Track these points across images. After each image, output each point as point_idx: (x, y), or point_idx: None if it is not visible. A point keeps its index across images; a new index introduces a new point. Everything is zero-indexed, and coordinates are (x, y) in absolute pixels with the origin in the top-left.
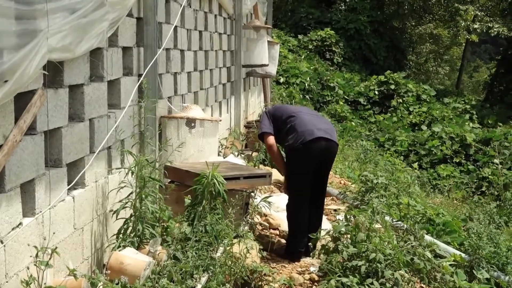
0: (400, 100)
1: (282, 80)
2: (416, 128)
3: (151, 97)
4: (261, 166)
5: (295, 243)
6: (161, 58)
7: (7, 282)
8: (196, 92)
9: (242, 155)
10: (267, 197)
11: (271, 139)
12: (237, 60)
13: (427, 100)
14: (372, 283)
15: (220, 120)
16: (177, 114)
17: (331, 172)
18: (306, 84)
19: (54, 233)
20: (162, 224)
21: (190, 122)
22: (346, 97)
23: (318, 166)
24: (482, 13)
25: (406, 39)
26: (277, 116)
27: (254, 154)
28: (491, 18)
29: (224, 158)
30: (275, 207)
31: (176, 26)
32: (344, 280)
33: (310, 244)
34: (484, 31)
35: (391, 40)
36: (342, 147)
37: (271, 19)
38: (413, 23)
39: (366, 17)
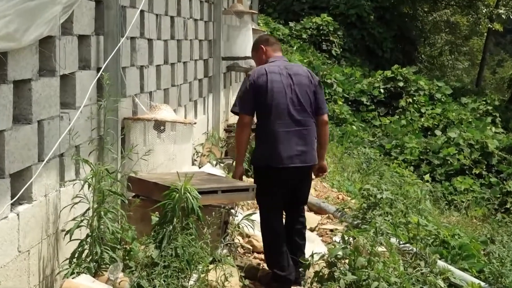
0: (410, 100)
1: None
2: (428, 133)
3: (113, 95)
4: (244, 177)
5: (273, 259)
6: (125, 49)
7: None
8: (167, 89)
9: (221, 165)
10: (250, 215)
11: (245, 120)
12: (216, 52)
13: (442, 100)
14: None
15: (195, 123)
16: (144, 115)
17: (326, 185)
18: None
19: None
20: (125, 246)
21: (159, 125)
22: (346, 95)
23: (289, 187)
24: None
25: (417, 27)
26: (261, 91)
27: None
28: None
29: (199, 167)
30: (260, 226)
31: (142, 11)
32: None
33: (301, 269)
34: (511, 17)
35: (399, 29)
36: (340, 155)
37: (257, 3)
38: (426, 9)
39: (370, 2)
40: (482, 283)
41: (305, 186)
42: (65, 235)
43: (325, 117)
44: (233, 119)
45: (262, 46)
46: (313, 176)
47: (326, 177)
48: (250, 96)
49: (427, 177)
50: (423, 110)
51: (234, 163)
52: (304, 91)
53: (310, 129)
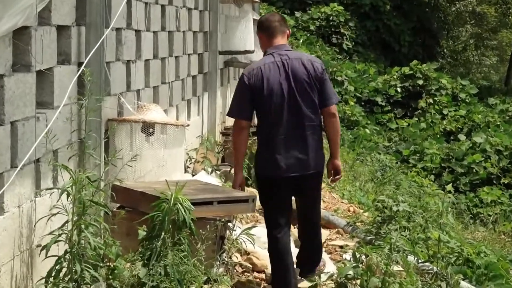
0: (431, 100)
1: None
2: (451, 138)
3: (96, 93)
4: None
5: (275, 274)
6: (110, 41)
7: None
8: (157, 87)
9: (218, 172)
10: (249, 229)
11: (241, 124)
12: (212, 45)
13: (467, 100)
14: None
15: (188, 125)
16: (131, 116)
17: (335, 196)
18: None
19: None
20: (108, 264)
21: (148, 127)
22: (358, 95)
23: (293, 195)
24: None
25: (439, 19)
26: (256, 93)
27: (233, 170)
28: None
29: (193, 175)
30: (260, 242)
31: None
32: None
33: None
34: None
35: (419, 20)
36: (352, 162)
37: None
38: None
39: None
40: None
41: (310, 198)
42: (40, 251)
43: (332, 108)
44: (231, 121)
45: (259, 32)
46: (329, 182)
47: (336, 186)
48: (244, 99)
49: (449, 187)
50: (445, 112)
51: (232, 171)
52: (303, 89)
53: (313, 131)
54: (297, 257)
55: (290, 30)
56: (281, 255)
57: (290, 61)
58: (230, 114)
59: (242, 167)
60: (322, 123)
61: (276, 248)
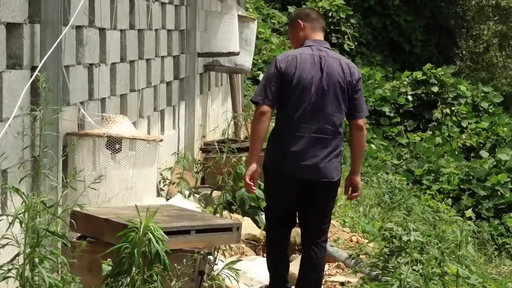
0: (447, 111)
1: (261, 76)
2: (472, 154)
3: (52, 103)
4: (225, 213)
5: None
6: (69, 42)
7: None
8: (125, 96)
9: (196, 196)
10: (233, 262)
11: (263, 109)
12: (190, 46)
13: (490, 110)
14: None
15: (162, 140)
16: (94, 129)
17: (335, 224)
18: None
19: None
20: None
21: (114, 143)
22: None
23: (300, 200)
24: None
25: (457, 14)
26: (287, 75)
27: (216, 193)
28: None
29: (167, 199)
30: (246, 278)
31: None
32: None
33: None
34: None
35: (433, 16)
36: None
37: None
38: None
39: None
40: None
41: (317, 210)
42: None
43: (360, 121)
44: (213, 135)
45: (300, 21)
46: (346, 198)
47: (336, 212)
48: (272, 84)
49: (469, 213)
50: (464, 124)
51: (213, 194)
52: (334, 90)
53: (334, 138)
54: None
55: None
56: (278, 246)
57: (328, 58)
58: (254, 99)
59: (257, 157)
60: (342, 133)
61: (274, 241)
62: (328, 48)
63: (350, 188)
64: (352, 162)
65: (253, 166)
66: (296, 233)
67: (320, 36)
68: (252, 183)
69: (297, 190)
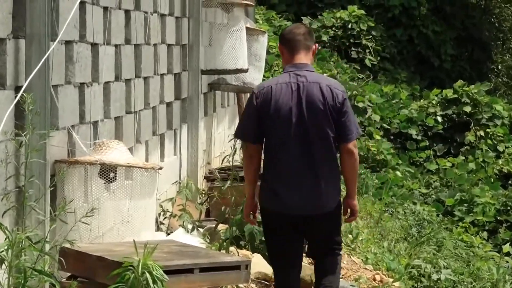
0: (482, 133)
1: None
2: (509, 182)
3: (39, 127)
4: (232, 249)
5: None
6: (58, 58)
7: None
8: (120, 118)
9: (200, 230)
10: None
11: (250, 149)
12: (193, 62)
13: None
14: None
15: (161, 168)
16: (85, 157)
17: (357, 260)
18: None
19: None
20: None
21: (108, 171)
22: (386, 126)
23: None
24: None
25: (491, 25)
26: (263, 108)
27: (222, 227)
28: None
29: (167, 234)
30: None
31: (84, 2)
32: None
33: None
34: None
35: (464, 27)
36: (378, 216)
37: None
38: None
39: None
40: None
41: (322, 242)
42: None
43: (349, 145)
44: (218, 161)
45: (280, 45)
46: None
47: (358, 248)
48: (253, 120)
49: (507, 247)
50: (500, 148)
51: (219, 227)
52: (316, 118)
53: (326, 165)
54: None
55: (317, 45)
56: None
57: (306, 84)
58: (235, 134)
59: (253, 194)
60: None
61: (282, 285)
62: (310, 71)
63: (349, 211)
64: (346, 186)
65: (250, 203)
66: (311, 271)
67: (301, 58)
68: (251, 219)
69: (295, 227)
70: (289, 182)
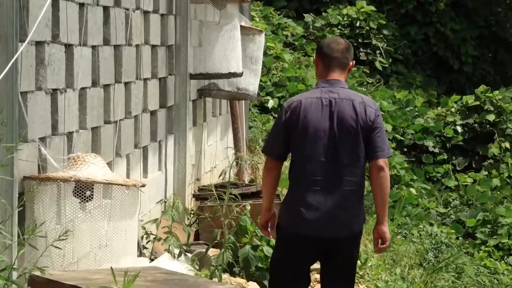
0: (507, 145)
1: (271, 104)
2: None
3: (6, 140)
4: (225, 276)
5: None
6: (27, 62)
7: None
8: (97, 129)
9: (189, 255)
10: None
11: (270, 164)
12: (181, 66)
13: None
14: None
15: (144, 185)
16: (58, 173)
17: None
18: None
19: None
20: None
21: (84, 189)
22: (399, 137)
23: (317, 260)
24: None
25: None
26: (292, 124)
27: (213, 252)
28: None
29: (151, 260)
30: None
31: None
32: None
33: None
34: None
35: (487, 25)
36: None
37: None
38: None
39: None
40: None
41: (340, 268)
42: None
43: (380, 162)
44: (209, 178)
45: (316, 55)
46: (374, 251)
47: (367, 275)
48: (279, 135)
49: None
50: None
51: (209, 252)
52: (347, 136)
53: (353, 187)
54: None
55: (354, 62)
56: None
57: (338, 101)
58: (263, 149)
59: (271, 206)
60: (364, 179)
61: None
62: (342, 87)
63: (377, 239)
64: (376, 209)
65: (268, 213)
66: None
67: (335, 74)
68: (268, 230)
69: (315, 249)
70: (315, 204)
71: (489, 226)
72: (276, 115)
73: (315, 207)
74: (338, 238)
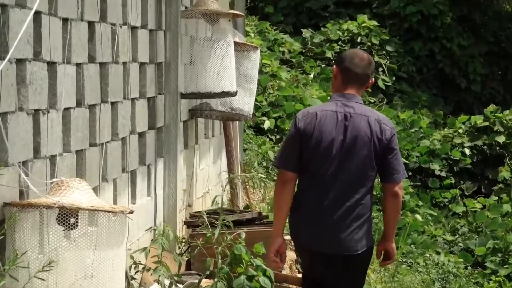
0: None
1: (267, 125)
2: None
3: None
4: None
5: None
6: (7, 80)
7: None
8: (82, 152)
9: (180, 286)
10: None
11: (286, 177)
12: (171, 84)
13: None
14: None
15: (132, 212)
16: (41, 199)
17: None
18: None
19: None
20: None
21: (68, 216)
22: (403, 160)
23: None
24: None
25: None
26: (306, 135)
27: (206, 282)
28: None
29: None
30: None
31: (39, 12)
32: None
33: None
34: None
35: (497, 41)
36: (394, 267)
37: None
38: None
39: None
40: None
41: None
42: None
43: (396, 187)
44: (202, 203)
45: (336, 66)
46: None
47: None
48: (293, 146)
49: None
50: None
51: (202, 283)
52: (360, 152)
53: (362, 205)
54: None
55: (373, 80)
56: None
57: (354, 115)
58: (275, 162)
59: (282, 230)
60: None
61: None
62: (358, 103)
63: (383, 253)
64: (385, 228)
65: (278, 241)
66: None
67: (353, 90)
68: (278, 259)
69: (320, 263)
70: (320, 218)
71: (499, 254)
72: (272, 137)
73: (319, 221)
74: (340, 255)
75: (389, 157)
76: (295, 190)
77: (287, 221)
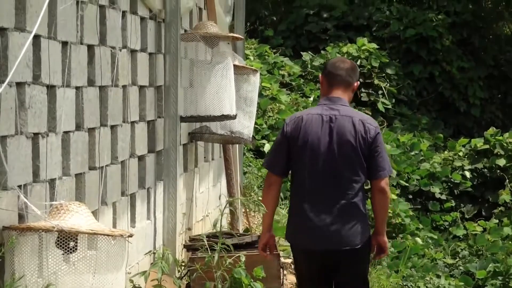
0: None
1: (267, 148)
2: None
3: None
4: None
5: None
6: (6, 104)
7: None
8: (81, 176)
9: None
10: None
11: (271, 179)
12: (170, 108)
13: None
14: None
15: (131, 235)
16: (40, 222)
17: None
18: None
19: None
20: None
21: (67, 240)
22: (403, 183)
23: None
24: None
25: None
26: (293, 139)
27: None
28: None
29: None
30: None
31: (38, 36)
32: None
33: None
34: None
35: (497, 65)
36: None
37: (242, 21)
38: None
39: (443, 16)
40: None
41: (347, 281)
42: None
43: (381, 182)
44: (201, 227)
45: (321, 74)
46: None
47: None
48: (281, 150)
49: None
50: None
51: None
52: (346, 152)
53: (353, 201)
54: None
55: (358, 82)
56: None
57: (339, 117)
58: (264, 163)
59: (270, 226)
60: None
61: None
62: (343, 105)
63: (376, 247)
64: (375, 223)
65: (267, 235)
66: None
67: (338, 92)
68: (266, 252)
69: (322, 263)
70: (316, 218)
71: (500, 278)
72: None
73: (314, 220)
74: (339, 251)
75: (375, 155)
76: (290, 193)
77: (286, 224)
